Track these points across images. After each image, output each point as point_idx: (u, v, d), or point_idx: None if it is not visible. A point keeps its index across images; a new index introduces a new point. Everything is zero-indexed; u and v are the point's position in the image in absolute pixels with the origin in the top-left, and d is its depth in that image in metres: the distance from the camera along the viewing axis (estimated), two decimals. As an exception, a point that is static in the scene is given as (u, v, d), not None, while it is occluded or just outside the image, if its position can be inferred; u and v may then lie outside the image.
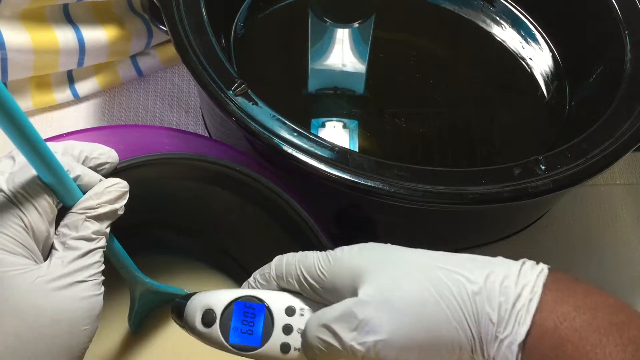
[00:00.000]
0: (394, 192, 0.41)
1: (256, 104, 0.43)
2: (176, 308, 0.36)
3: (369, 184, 0.41)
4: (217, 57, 0.45)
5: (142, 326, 0.44)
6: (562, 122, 0.57)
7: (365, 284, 0.32)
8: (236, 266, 0.47)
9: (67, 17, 0.56)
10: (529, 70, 0.60)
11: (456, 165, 0.54)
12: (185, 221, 0.46)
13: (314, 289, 0.34)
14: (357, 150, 0.54)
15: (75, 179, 0.33)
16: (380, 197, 0.41)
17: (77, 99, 0.60)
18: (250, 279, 0.37)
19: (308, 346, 0.33)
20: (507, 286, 0.30)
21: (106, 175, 0.36)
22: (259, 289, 0.36)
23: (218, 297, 0.35)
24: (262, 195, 0.42)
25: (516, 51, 0.61)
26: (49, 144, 0.32)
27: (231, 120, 0.43)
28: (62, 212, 0.33)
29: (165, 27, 0.47)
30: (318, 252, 0.35)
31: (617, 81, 0.50)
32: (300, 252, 0.35)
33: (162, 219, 0.45)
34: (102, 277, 0.32)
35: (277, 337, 0.34)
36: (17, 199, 0.30)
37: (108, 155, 0.36)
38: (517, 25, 0.63)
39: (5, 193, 0.30)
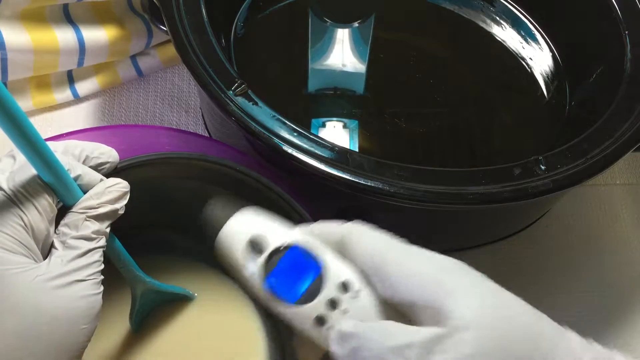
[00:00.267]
0: (394, 192, 0.41)
1: (256, 104, 0.43)
2: (215, 209, 0.32)
3: (369, 184, 0.41)
4: (217, 57, 0.45)
5: (143, 325, 0.44)
6: (562, 122, 0.57)
7: (456, 319, 0.27)
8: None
9: (67, 17, 0.56)
10: (529, 70, 0.60)
11: (456, 165, 0.54)
12: (186, 221, 0.46)
13: (383, 283, 0.30)
14: (357, 150, 0.54)
15: (76, 178, 0.33)
16: (380, 197, 0.41)
17: (77, 99, 0.60)
18: (315, 228, 0.33)
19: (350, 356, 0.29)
20: None
21: (106, 175, 0.36)
22: (319, 243, 0.31)
23: (276, 230, 0.30)
24: (263, 195, 0.42)
25: (516, 51, 0.61)
26: (50, 143, 0.32)
27: (231, 120, 0.43)
28: (63, 211, 0.33)
29: (165, 27, 0.47)
30: (405, 245, 0.30)
31: (617, 81, 0.50)
32: (383, 236, 0.31)
33: (163, 219, 0.45)
34: (102, 277, 0.32)
35: (317, 307, 0.30)
36: (17, 198, 0.30)
37: (109, 154, 0.36)
38: (517, 25, 0.63)
39: (5, 192, 0.30)
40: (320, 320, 0.30)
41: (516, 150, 0.56)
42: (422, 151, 0.55)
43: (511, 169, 0.43)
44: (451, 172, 0.43)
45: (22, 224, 0.30)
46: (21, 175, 0.31)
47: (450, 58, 0.62)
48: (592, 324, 0.54)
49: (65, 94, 0.59)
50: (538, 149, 0.53)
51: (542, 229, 0.58)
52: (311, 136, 0.42)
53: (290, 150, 0.42)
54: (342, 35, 0.62)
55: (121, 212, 0.34)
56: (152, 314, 0.44)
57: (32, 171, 0.31)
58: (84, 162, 0.35)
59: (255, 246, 0.30)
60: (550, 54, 0.61)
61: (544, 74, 0.60)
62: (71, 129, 0.45)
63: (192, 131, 0.53)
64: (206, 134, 0.58)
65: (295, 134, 0.42)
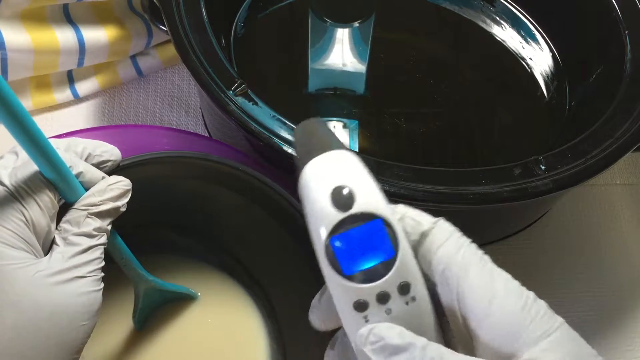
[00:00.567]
0: (394, 192, 0.41)
1: (256, 104, 0.43)
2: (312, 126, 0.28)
3: (369, 183, 0.41)
4: (217, 57, 0.45)
5: (146, 323, 0.45)
6: (562, 122, 0.57)
7: None
8: (239, 266, 0.47)
9: (67, 17, 0.56)
10: (529, 70, 0.60)
11: (456, 165, 0.54)
12: (188, 221, 0.46)
13: (452, 297, 0.27)
14: (357, 150, 0.54)
15: (78, 175, 0.33)
16: (380, 197, 0.41)
17: (77, 99, 0.60)
18: (407, 212, 0.29)
19: None
20: None
21: (109, 173, 0.36)
22: (402, 229, 0.28)
23: (368, 192, 0.26)
24: (265, 195, 0.42)
25: (516, 51, 0.61)
26: (53, 141, 0.32)
27: (231, 120, 0.43)
28: (64, 208, 0.33)
29: (165, 27, 0.47)
30: (487, 264, 0.27)
31: (617, 81, 0.50)
32: (467, 245, 0.28)
33: (165, 218, 0.45)
34: (102, 274, 0.32)
35: (366, 291, 0.27)
36: (19, 194, 0.31)
37: (111, 152, 0.36)
38: (517, 25, 0.63)
39: (7, 187, 0.31)
40: (361, 306, 0.27)
41: (516, 150, 0.56)
42: (422, 151, 0.55)
43: (511, 169, 0.43)
44: (451, 172, 0.43)
45: (24, 219, 0.30)
46: (23, 171, 0.31)
47: (450, 58, 0.62)
48: (592, 323, 0.54)
49: (65, 94, 0.59)
50: (538, 149, 0.53)
51: (542, 229, 0.58)
52: (311, 136, 0.42)
53: (290, 150, 0.42)
54: (342, 35, 0.62)
55: (123, 209, 0.34)
56: (155, 312, 0.45)
57: (34, 167, 0.31)
58: (86, 160, 0.35)
59: (339, 198, 0.26)
60: (550, 54, 0.61)
61: (544, 74, 0.60)
62: (71, 129, 0.45)
63: (192, 131, 0.53)
64: (206, 134, 0.58)
65: (295, 133, 0.42)
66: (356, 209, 0.26)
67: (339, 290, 0.27)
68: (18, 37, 0.52)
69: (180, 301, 0.46)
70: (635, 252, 0.58)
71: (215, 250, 0.47)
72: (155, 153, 0.40)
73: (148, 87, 0.61)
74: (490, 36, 0.62)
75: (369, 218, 0.26)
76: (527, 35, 0.62)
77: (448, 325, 0.29)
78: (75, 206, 0.33)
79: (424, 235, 0.29)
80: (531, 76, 0.60)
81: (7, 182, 0.31)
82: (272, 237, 0.44)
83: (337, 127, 0.55)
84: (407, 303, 0.27)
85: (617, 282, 0.56)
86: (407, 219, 0.29)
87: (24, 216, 0.30)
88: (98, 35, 0.56)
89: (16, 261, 0.30)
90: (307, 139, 0.28)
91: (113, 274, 0.35)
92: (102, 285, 0.32)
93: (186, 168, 0.41)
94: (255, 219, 0.44)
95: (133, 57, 0.61)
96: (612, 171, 0.62)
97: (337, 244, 0.26)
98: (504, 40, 0.62)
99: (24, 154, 0.32)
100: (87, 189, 0.33)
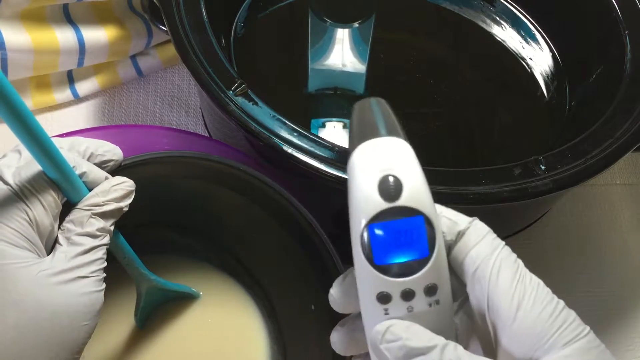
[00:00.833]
0: (394, 192, 0.41)
1: (256, 104, 0.43)
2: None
3: (369, 183, 0.41)
4: (217, 57, 0.45)
5: (148, 321, 0.45)
6: (562, 122, 0.57)
7: None
8: (240, 266, 0.47)
9: (67, 17, 0.56)
10: (529, 70, 0.60)
11: (456, 165, 0.54)
12: (189, 221, 0.46)
13: (481, 302, 0.26)
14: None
15: (81, 175, 0.33)
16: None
17: (77, 99, 0.60)
18: (445, 211, 0.29)
19: None
20: None
21: (111, 172, 0.36)
22: (441, 232, 0.27)
23: (414, 187, 0.26)
24: (265, 195, 0.42)
25: (516, 51, 0.61)
26: (56, 140, 0.32)
27: (231, 120, 0.43)
28: (67, 208, 0.33)
29: (165, 27, 0.47)
30: (520, 269, 0.27)
31: (617, 81, 0.50)
32: (501, 248, 0.27)
33: (165, 218, 0.45)
34: (104, 274, 0.32)
35: (392, 285, 0.26)
36: (22, 193, 0.31)
37: (113, 152, 0.36)
38: (517, 25, 0.63)
39: (11, 186, 0.31)
40: (384, 299, 0.26)
41: (516, 150, 0.56)
42: (422, 151, 0.55)
43: (511, 169, 0.43)
44: (451, 172, 0.43)
45: (27, 218, 0.30)
46: (27, 171, 0.31)
47: (450, 58, 0.62)
48: (592, 323, 0.54)
49: (65, 94, 0.59)
50: (538, 149, 0.53)
51: (542, 228, 0.58)
52: (311, 136, 0.42)
53: (290, 150, 0.42)
54: (342, 35, 0.62)
55: (125, 209, 0.35)
56: (156, 311, 0.45)
57: (38, 167, 0.31)
58: (88, 159, 0.35)
59: (387, 187, 0.25)
60: (550, 54, 0.61)
61: (544, 74, 0.60)
62: (71, 129, 0.45)
63: (192, 131, 0.53)
64: (206, 134, 0.58)
65: (295, 133, 0.42)
66: (402, 201, 0.26)
67: (366, 278, 0.27)
68: (18, 37, 0.52)
69: (181, 300, 0.46)
70: (635, 252, 0.58)
71: (215, 250, 0.47)
72: (156, 153, 0.40)
73: (148, 87, 0.61)
74: (490, 36, 0.62)
75: (413, 213, 0.26)
76: (527, 35, 0.62)
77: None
78: (79, 206, 0.33)
79: (460, 235, 0.28)
80: (531, 76, 0.60)
81: (10, 181, 0.31)
82: (272, 237, 0.44)
83: (337, 127, 0.55)
84: (430, 305, 0.27)
85: (617, 282, 0.56)
86: (443, 219, 0.29)
87: (28, 215, 0.30)
88: (98, 35, 0.56)
89: (19, 260, 0.30)
90: (361, 119, 0.27)
91: (114, 273, 0.35)
92: (104, 285, 0.32)
93: (186, 168, 0.41)
94: (255, 219, 0.44)
95: (133, 57, 0.61)
96: (612, 171, 0.62)
97: (376, 232, 0.26)
98: (504, 40, 0.62)
99: (26, 153, 0.32)
100: (90, 189, 0.34)
